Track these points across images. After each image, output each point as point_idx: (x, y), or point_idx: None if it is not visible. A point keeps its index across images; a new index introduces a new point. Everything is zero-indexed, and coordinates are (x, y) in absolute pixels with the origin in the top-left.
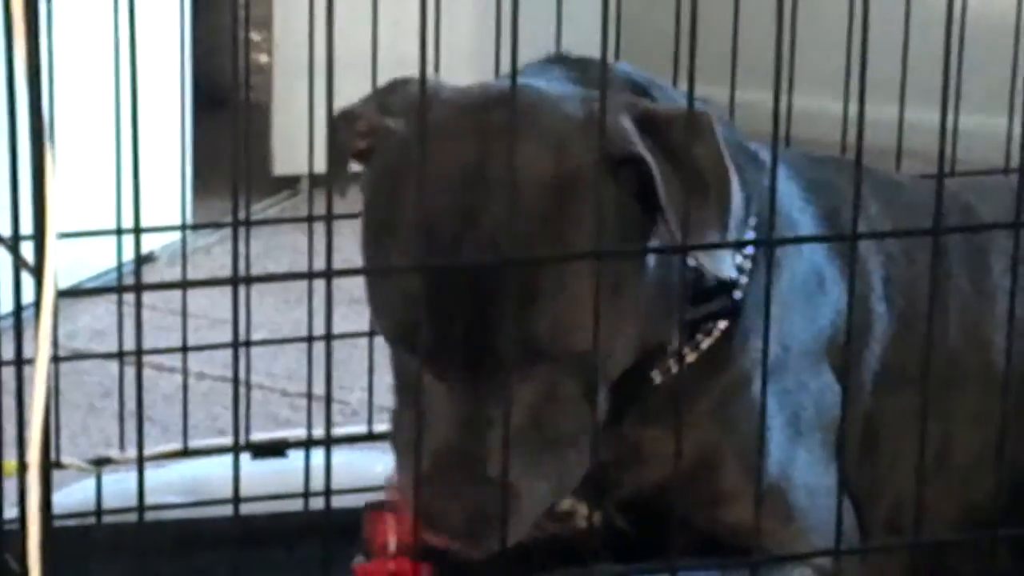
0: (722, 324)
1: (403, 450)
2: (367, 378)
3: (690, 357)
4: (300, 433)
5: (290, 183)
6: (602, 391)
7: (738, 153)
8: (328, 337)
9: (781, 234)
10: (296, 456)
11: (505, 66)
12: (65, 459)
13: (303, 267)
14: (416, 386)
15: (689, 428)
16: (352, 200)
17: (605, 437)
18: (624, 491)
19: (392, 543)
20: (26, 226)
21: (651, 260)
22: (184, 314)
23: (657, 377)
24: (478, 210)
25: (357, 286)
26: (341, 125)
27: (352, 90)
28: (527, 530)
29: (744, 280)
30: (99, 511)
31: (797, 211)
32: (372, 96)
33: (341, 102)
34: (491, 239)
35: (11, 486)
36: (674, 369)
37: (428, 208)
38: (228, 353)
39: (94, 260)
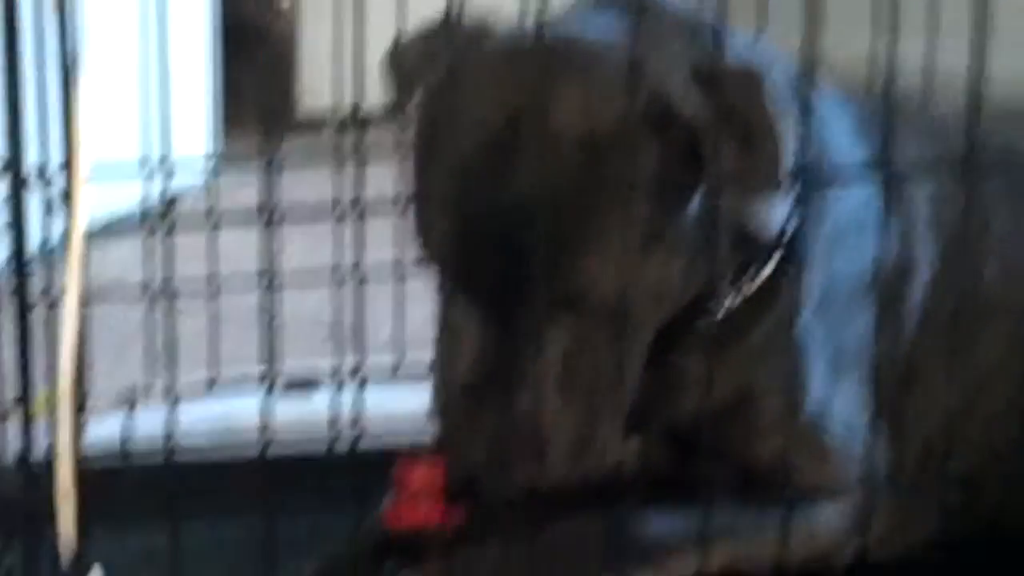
0: (771, 264)
1: (436, 382)
2: (397, 314)
3: (738, 298)
4: (329, 368)
5: (317, 119)
6: (640, 341)
7: (790, 95)
8: (358, 273)
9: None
10: (326, 392)
11: None
12: (94, 396)
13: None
14: (447, 325)
15: (733, 361)
16: (380, 135)
17: (648, 368)
18: (665, 420)
19: (423, 489)
20: (56, 163)
21: (691, 212)
22: (213, 252)
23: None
24: (511, 165)
25: (386, 222)
26: (389, 64)
27: (380, 26)
28: (559, 471)
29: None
30: (128, 448)
31: (846, 150)
32: (421, 36)
33: (369, 38)
34: (523, 194)
35: (42, 423)
36: (722, 308)
37: (462, 161)
38: (258, 290)
39: (122, 198)
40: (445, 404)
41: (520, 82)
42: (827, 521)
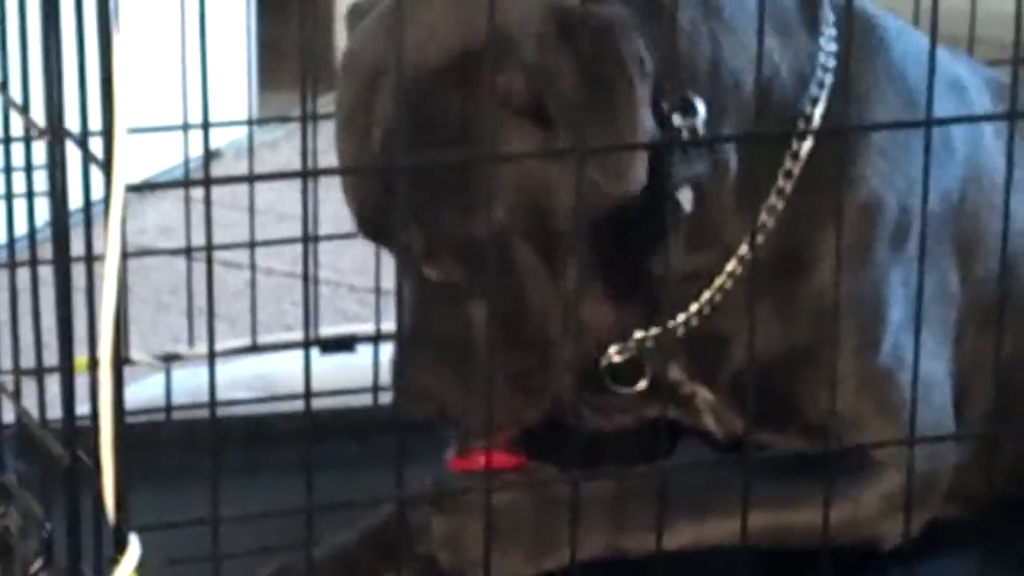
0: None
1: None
2: None
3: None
4: (369, 328)
5: None
6: (566, 262)
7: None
8: None
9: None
10: (365, 351)
11: None
12: (135, 355)
13: None
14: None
15: (800, 298)
16: None
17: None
18: (734, 368)
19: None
20: (94, 123)
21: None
22: (252, 209)
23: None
24: (376, 106)
25: None
26: (350, 22)
27: None
28: (536, 405)
29: (821, 102)
30: (169, 407)
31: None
32: None
33: None
34: (385, 136)
35: (82, 383)
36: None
37: (349, 103)
38: (296, 248)
39: (161, 157)
40: (393, 362)
41: (390, 19)
42: (879, 489)
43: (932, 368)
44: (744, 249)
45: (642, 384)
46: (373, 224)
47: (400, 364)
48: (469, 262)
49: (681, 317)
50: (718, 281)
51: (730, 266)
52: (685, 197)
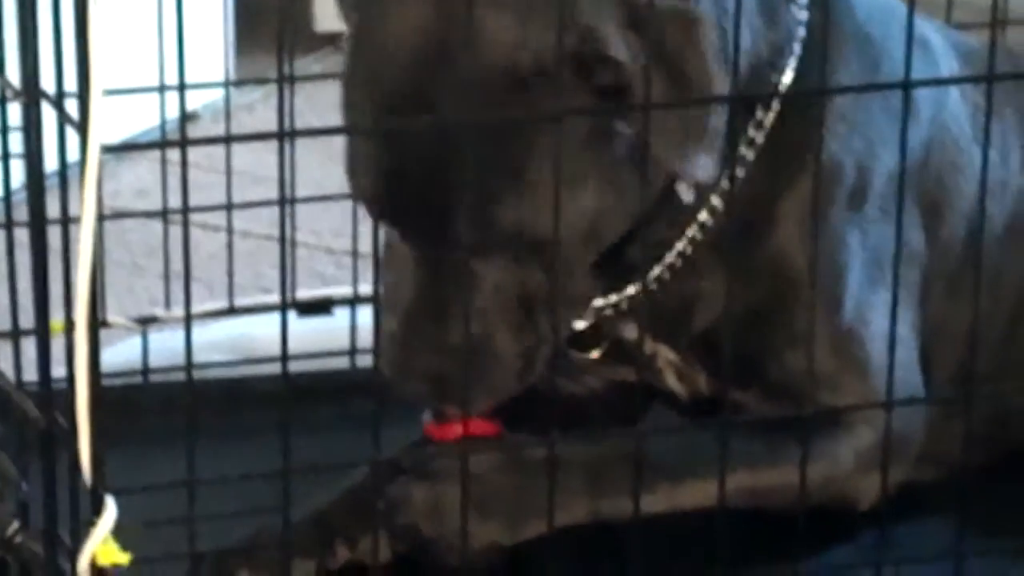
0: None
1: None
2: None
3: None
4: (346, 291)
5: (332, 39)
6: (572, 275)
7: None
8: None
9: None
10: (342, 314)
11: None
12: (111, 318)
13: None
14: (385, 262)
15: (760, 260)
16: None
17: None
18: (696, 329)
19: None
20: (70, 84)
21: (620, 150)
22: (228, 172)
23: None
24: (433, 89)
25: None
26: None
27: None
28: (508, 389)
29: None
30: (146, 370)
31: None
32: None
33: None
34: (448, 128)
35: (58, 345)
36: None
37: (384, 91)
38: (273, 211)
39: (137, 119)
40: (385, 345)
41: (445, 7)
42: (854, 446)
43: (898, 326)
44: (704, 216)
45: (596, 352)
46: (397, 211)
47: (393, 343)
48: (522, 258)
49: (644, 282)
50: (679, 246)
51: (691, 232)
52: (684, 188)
